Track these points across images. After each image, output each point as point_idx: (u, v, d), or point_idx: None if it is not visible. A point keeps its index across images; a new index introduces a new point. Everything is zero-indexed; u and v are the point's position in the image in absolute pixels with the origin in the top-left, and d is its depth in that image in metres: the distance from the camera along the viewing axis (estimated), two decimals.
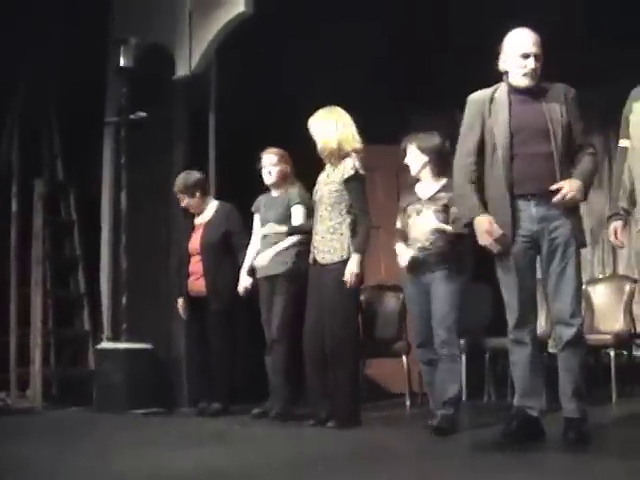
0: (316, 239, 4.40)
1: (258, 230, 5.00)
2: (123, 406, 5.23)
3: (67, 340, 6.27)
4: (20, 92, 6.27)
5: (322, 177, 4.49)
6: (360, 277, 4.31)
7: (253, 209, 5.06)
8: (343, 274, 4.28)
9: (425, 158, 4.21)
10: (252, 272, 4.96)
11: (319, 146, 4.44)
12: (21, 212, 6.14)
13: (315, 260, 4.40)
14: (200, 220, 5.24)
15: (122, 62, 5.83)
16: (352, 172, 4.37)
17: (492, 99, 3.69)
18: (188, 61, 5.98)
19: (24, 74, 6.27)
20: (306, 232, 4.68)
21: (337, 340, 4.30)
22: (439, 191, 4.17)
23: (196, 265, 5.16)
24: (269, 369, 4.81)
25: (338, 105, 4.51)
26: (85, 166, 6.35)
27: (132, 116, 5.75)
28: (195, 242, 5.16)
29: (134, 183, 5.82)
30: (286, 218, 4.87)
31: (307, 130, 4.48)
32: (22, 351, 5.88)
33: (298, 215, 4.85)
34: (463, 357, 5.31)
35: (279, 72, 6.10)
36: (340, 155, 4.43)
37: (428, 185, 4.23)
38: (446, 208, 4.10)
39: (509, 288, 3.64)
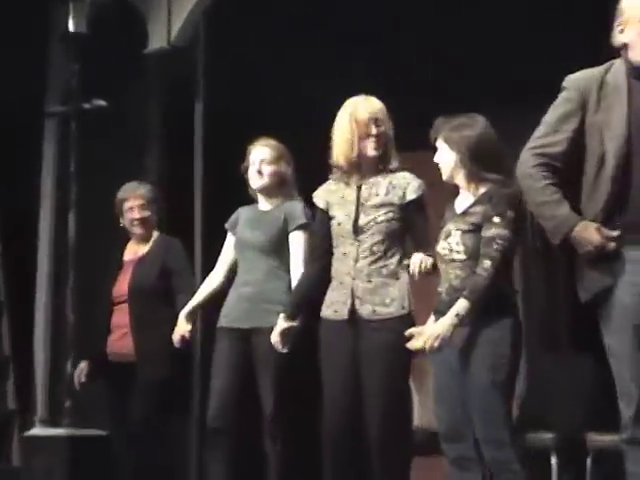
0: (356, 284, 4.36)
1: (228, 256, 4.90)
2: None
3: None
4: None
5: (349, 193, 4.43)
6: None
7: (227, 226, 4.94)
8: (401, 334, 4.21)
9: (455, 156, 4.13)
10: (195, 315, 4.96)
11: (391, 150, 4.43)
12: None
13: (354, 313, 4.33)
14: (131, 255, 5.32)
15: (71, 26, 5.86)
16: (420, 192, 4.37)
17: (602, 83, 3.63)
18: (166, 28, 6.11)
19: None
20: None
21: (388, 432, 4.25)
22: (475, 204, 4.13)
23: (120, 317, 5.18)
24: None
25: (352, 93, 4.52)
26: (14, 174, 6.40)
27: (86, 105, 5.78)
28: (122, 285, 5.22)
29: (87, 199, 5.80)
30: (279, 245, 4.76)
31: (324, 124, 4.45)
32: None
33: (299, 245, 4.78)
34: (553, 460, 5.22)
35: (288, 46, 6.21)
36: (388, 165, 4.40)
37: (463, 195, 4.18)
38: (477, 228, 4.02)
39: (621, 359, 3.57)
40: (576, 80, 3.66)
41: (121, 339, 5.14)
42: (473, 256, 3.94)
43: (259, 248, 4.69)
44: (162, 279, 5.13)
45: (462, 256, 3.95)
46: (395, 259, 4.31)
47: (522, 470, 3.86)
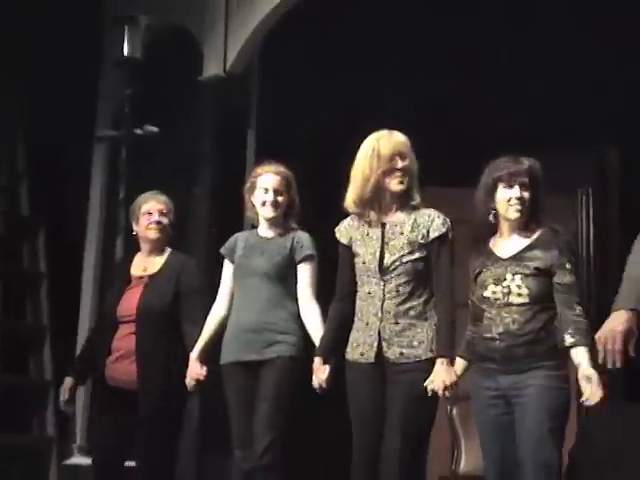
0: (383, 326, 4.30)
1: (229, 286, 4.77)
2: None
3: (18, 450, 6.22)
4: None
5: (373, 231, 4.39)
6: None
7: (224, 252, 4.80)
8: (427, 377, 4.16)
9: (533, 196, 4.12)
10: (208, 354, 4.69)
11: (414, 185, 4.36)
12: None
13: (380, 355, 4.26)
14: (140, 272, 5.01)
15: (126, 50, 5.92)
16: (444, 229, 4.28)
17: None
18: (222, 55, 6.11)
19: None
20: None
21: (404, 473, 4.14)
22: (532, 248, 4.03)
23: (124, 339, 4.87)
24: None
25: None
26: (62, 197, 6.44)
27: (138, 130, 5.82)
28: (130, 303, 4.91)
29: None
30: (284, 275, 4.67)
31: None
32: None
33: (308, 275, 4.67)
34: None
35: (341, 77, 6.27)
36: (410, 200, 4.39)
37: (511, 239, 4.12)
38: (541, 273, 3.97)
39: None
40: None
41: (121, 362, 4.80)
42: (534, 301, 3.93)
43: (264, 275, 4.60)
44: (174, 302, 4.83)
45: (524, 299, 3.93)
46: (422, 299, 4.21)
47: None
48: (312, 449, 5.40)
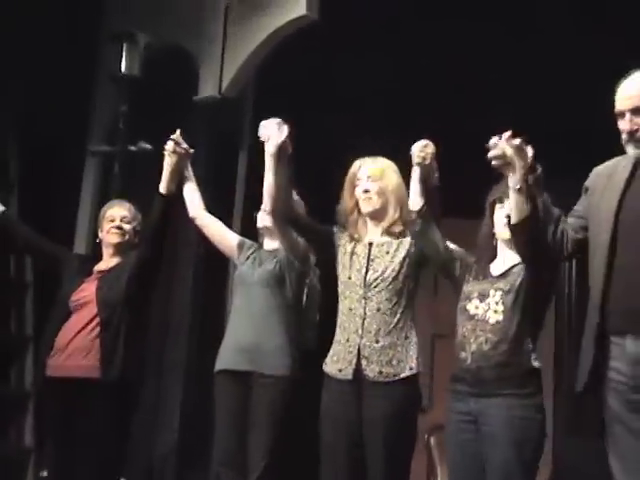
0: (363, 343, 4.34)
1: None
2: None
3: None
4: None
5: (361, 249, 4.47)
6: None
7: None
8: (410, 397, 4.22)
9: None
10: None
11: (390, 205, 4.44)
12: None
13: (359, 373, 4.30)
14: (100, 269, 5.00)
15: (124, 67, 5.96)
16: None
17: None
18: (218, 77, 6.19)
19: None
20: None
21: None
22: (515, 266, 4.03)
23: (78, 335, 4.75)
24: None
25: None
26: (52, 209, 6.45)
27: (132, 147, 5.84)
28: (85, 291, 4.86)
29: None
30: (280, 287, 4.76)
31: None
32: None
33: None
34: None
35: (337, 105, 6.24)
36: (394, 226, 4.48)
37: (504, 255, 4.11)
38: (520, 293, 3.94)
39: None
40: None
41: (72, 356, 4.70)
42: (508, 318, 3.89)
43: (261, 284, 4.72)
44: (130, 285, 4.77)
45: (499, 317, 3.90)
46: (404, 318, 4.26)
47: None
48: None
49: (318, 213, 4.64)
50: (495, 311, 3.90)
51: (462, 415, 3.90)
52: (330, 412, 4.25)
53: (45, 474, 5.63)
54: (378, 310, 4.25)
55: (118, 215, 5.02)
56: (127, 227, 5.00)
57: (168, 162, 4.93)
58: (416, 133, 4.13)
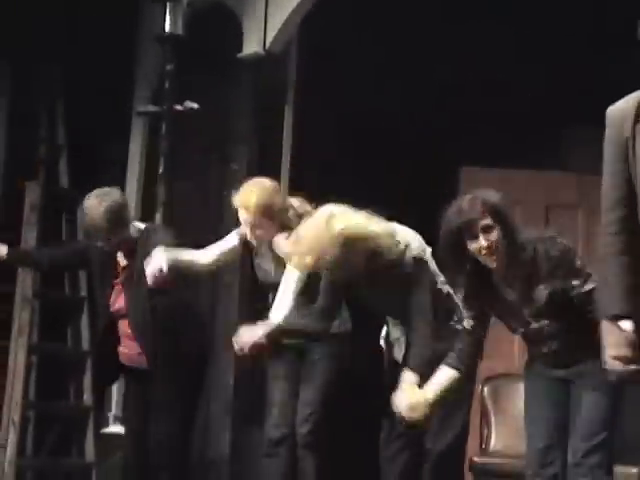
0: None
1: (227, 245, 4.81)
2: None
3: (56, 417, 6.38)
4: (11, 61, 6.48)
5: None
6: None
7: (239, 234, 4.78)
8: None
9: None
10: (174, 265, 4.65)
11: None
12: (4, 228, 6.26)
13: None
14: (120, 269, 5.01)
15: (167, 26, 5.97)
16: None
17: (638, 114, 3.23)
18: (262, 33, 6.17)
19: (16, 37, 6.45)
20: None
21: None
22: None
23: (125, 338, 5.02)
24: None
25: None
26: (100, 169, 6.52)
27: (178, 106, 5.88)
28: (118, 305, 4.99)
29: (174, 199, 5.94)
30: None
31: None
32: None
33: None
34: None
35: (383, 56, 6.28)
36: None
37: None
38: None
39: None
40: (612, 114, 3.29)
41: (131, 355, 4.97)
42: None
43: None
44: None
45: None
46: None
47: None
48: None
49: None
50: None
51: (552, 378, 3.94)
52: None
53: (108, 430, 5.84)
54: None
55: (109, 236, 4.84)
56: (123, 238, 4.86)
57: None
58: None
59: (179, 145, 6.05)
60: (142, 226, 5.00)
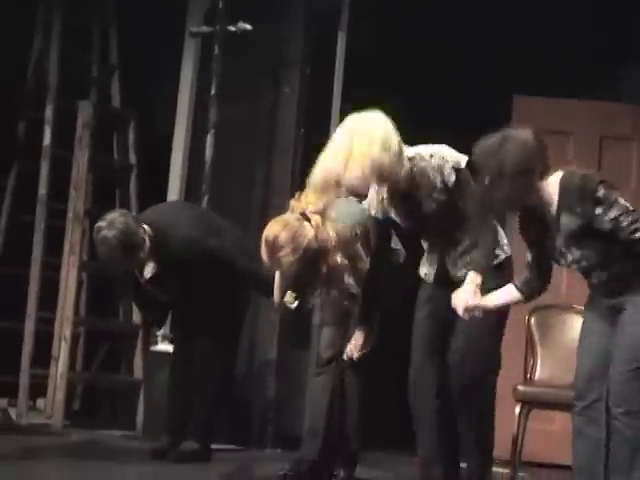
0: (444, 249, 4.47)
1: None
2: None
3: (106, 334, 6.53)
4: None
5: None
6: None
7: None
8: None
9: None
10: None
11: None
12: (56, 147, 6.36)
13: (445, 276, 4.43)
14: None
15: None
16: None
17: None
18: None
19: None
20: None
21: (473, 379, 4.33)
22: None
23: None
24: (313, 398, 4.85)
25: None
26: (153, 89, 6.57)
27: (231, 27, 5.88)
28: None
29: (225, 122, 5.99)
30: None
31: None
32: (40, 345, 6.16)
33: None
34: None
35: None
36: None
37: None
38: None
39: None
40: None
41: None
42: (602, 258, 3.86)
43: None
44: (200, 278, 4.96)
45: (592, 262, 3.89)
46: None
47: None
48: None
49: None
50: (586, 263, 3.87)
51: (605, 308, 3.93)
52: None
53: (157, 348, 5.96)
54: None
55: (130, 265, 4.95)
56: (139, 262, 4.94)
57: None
58: None
59: (231, 67, 6.06)
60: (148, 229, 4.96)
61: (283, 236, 4.32)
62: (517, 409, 5.38)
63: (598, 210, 3.75)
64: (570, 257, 3.86)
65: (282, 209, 5.58)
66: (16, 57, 6.47)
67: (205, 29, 6.16)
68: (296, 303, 4.55)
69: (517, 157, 3.71)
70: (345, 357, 4.52)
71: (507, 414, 5.39)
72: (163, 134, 6.50)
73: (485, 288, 4.03)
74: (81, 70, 6.65)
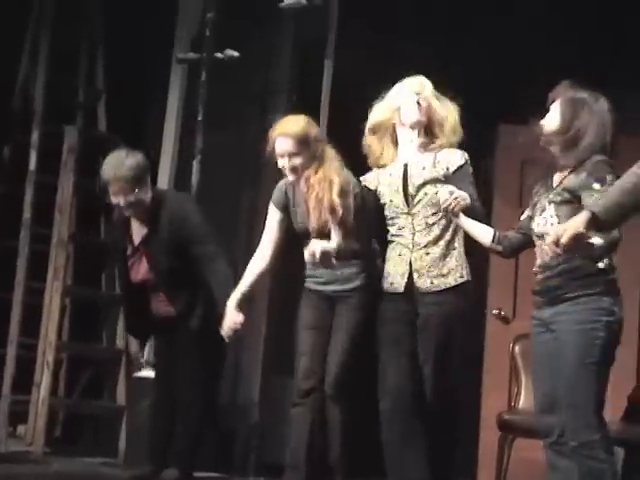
0: (413, 257, 4.48)
1: (272, 236, 4.72)
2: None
3: (89, 360, 6.52)
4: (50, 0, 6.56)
5: (396, 169, 4.56)
6: None
7: (274, 201, 4.77)
8: (459, 304, 4.41)
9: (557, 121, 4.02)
10: (244, 304, 4.70)
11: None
12: (41, 171, 6.38)
13: (412, 285, 4.46)
14: (138, 239, 5.03)
15: None
16: (462, 162, 4.52)
17: None
18: None
19: None
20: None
21: (446, 397, 4.40)
22: (569, 174, 3.95)
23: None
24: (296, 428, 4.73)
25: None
26: (139, 114, 6.63)
27: (218, 54, 5.91)
28: (139, 274, 5.03)
29: (212, 148, 6.01)
30: None
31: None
32: (22, 371, 6.14)
33: None
34: None
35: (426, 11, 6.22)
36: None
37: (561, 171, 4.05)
38: (573, 198, 3.88)
39: None
40: None
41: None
42: None
43: None
44: (181, 255, 4.86)
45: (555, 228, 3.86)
46: (450, 229, 4.43)
47: (608, 459, 3.78)
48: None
49: None
50: (552, 224, 3.91)
51: (539, 321, 3.98)
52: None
53: (140, 374, 5.93)
54: (426, 224, 4.44)
55: (117, 190, 4.86)
56: (130, 199, 4.83)
57: None
58: None
59: (218, 93, 6.08)
60: (155, 190, 5.02)
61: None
62: (501, 437, 5.40)
63: (596, 185, 3.80)
64: (544, 215, 3.95)
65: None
66: (2, 81, 6.46)
67: (192, 56, 6.18)
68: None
69: None
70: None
71: (491, 442, 5.41)
72: (149, 160, 6.51)
73: None
74: (68, 94, 6.66)
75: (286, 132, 4.50)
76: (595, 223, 3.51)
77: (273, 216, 4.67)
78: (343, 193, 4.43)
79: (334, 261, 4.42)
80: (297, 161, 4.50)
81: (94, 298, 6.57)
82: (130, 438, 5.91)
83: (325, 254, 4.35)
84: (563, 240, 3.52)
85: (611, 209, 3.54)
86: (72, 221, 6.31)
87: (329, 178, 4.46)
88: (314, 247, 4.37)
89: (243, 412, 6.04)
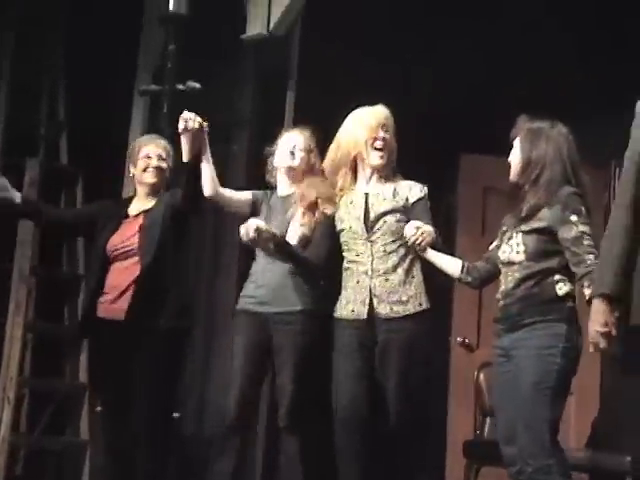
0: (373, 283, 4.48)
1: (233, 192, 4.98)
2: None
3: (50, 395, 6.44)
4: (11, 31, 6.55)
5: (357, 198, 4.64)
6: None
7: (253, 191, 4.98)
8: (419, 331, 4.46)
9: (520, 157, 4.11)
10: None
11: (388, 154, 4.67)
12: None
13: (372, 311, 4.49)
14: (136, 212, 5.00)
15: (172, 6, 5.97)
16: (422, 194, 4.63)
17: None
18: (266, 16, 6.17)
19: (19, 8, 6.52)
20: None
21: (404, 423, 4.43)
22: (539, 206, 4.03)
23: (122, 274, 4.85)
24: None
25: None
26: (101, 147, 6.55)
27: (180, 85, 5.91)
28: (125, 237, 4.88)
29: (174, 180, 5.92)
30: None
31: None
32: None
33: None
34: None
35: (399, 40, 6.31)
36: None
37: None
38: (542, 230, 3.98)
39: None
40: None
41: (115, 301, 4.78)
42: (531, 258, 3.99)
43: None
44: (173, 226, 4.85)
45: (521, 257, 4.01)
46: (408, 258, 4.51)
47: None
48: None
49: None
50: (517, 252, 4.01)
51: (500, 350, 4.07)
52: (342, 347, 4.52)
53: (100, 409, 5.84)
54: (384, 251, 4.51)
55: (155, 153, 5.06)
56: (163, 165, 5.04)
57: (183, 140, 4.92)
58: None
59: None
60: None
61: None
62: (466, 466, 5.42)
63: (574, 217, 3.89)
64: (510, 242, 4.03)
65: (232, 268, 5.60)
66: None
67: (154, 87, 6.17)
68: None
69: None
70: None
71: (458, 469, 5.43)
72: (112, 192, 6.51)
73: None
74: (29, 127, 6.65)
75: (303, 131, 4.95)
76: (610, 302, 3.33)
77: (245, 193, 4.92)
78: (329, 199, 4.65)
79: (271, 246, 4.47)
80: (307, 157, 4.84)
81: (56, 332, 6.54)
82: (93, 474, 5.89)
83: (261, 233, 4.38)
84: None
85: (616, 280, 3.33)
86: (34, 254, 6.29)
87: (319, 181, 4.75)
88: (249, 223, 4.41)
89: (210, 441, 6.00)
